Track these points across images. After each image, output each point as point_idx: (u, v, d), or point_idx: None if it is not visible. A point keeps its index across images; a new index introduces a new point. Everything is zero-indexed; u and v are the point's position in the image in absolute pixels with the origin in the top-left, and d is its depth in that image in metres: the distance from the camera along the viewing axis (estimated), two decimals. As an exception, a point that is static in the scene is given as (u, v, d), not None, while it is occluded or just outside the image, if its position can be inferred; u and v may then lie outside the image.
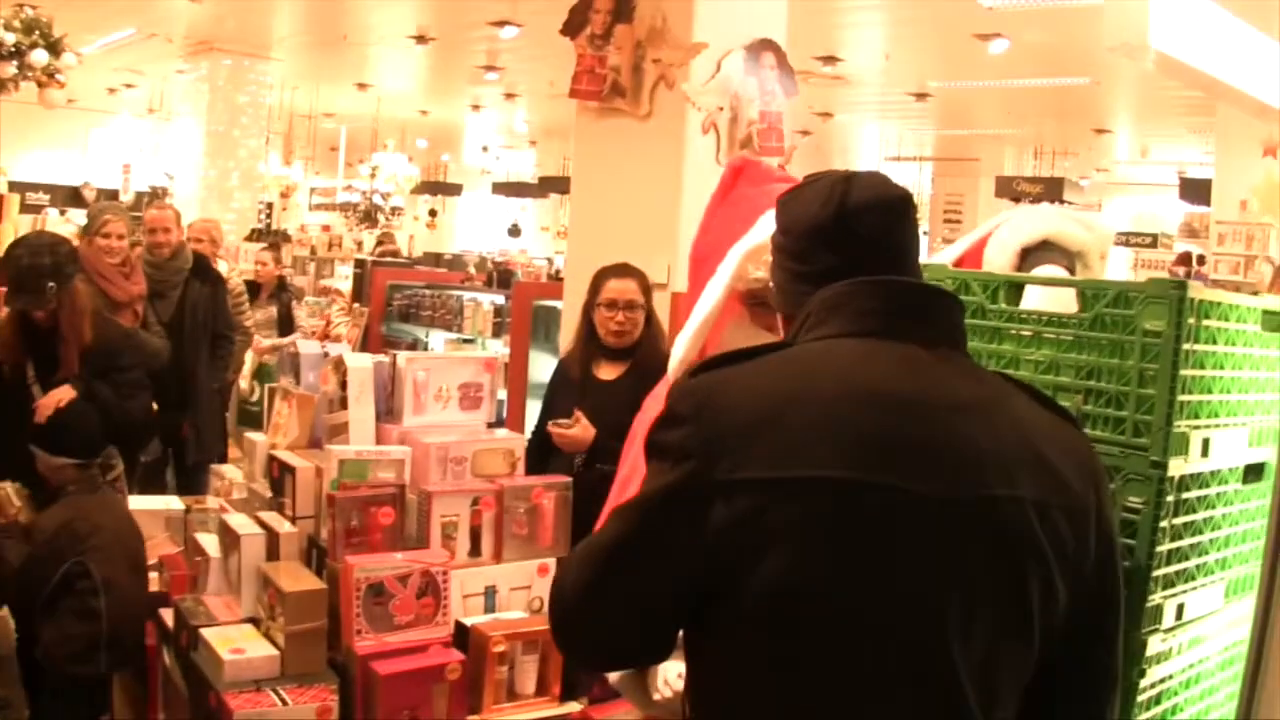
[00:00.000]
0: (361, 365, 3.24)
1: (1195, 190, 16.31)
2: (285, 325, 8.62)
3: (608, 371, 4.69)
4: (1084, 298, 1.97)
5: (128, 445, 4.79)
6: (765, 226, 2.23)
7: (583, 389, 4.65)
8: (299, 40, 14.91)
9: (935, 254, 2.55)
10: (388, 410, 3.30)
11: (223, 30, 14.35)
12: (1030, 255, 2.34)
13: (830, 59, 13.28)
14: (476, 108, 20.47)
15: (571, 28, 5.98)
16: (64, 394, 4.44)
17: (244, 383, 7.91)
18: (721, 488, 1.60)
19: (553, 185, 25.85)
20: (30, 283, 4.49)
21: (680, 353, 2.33)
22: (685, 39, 5.63)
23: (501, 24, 12.41)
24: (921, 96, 15.86)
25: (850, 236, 1.78)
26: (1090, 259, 2.37)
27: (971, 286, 2.11)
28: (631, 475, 2.46)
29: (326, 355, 3.47)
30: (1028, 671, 1.66)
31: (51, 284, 4.47)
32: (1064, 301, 2.06)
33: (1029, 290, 2.18)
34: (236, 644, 2.70)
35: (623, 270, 4.72)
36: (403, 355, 3.33)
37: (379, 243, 15.27)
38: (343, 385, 3.22)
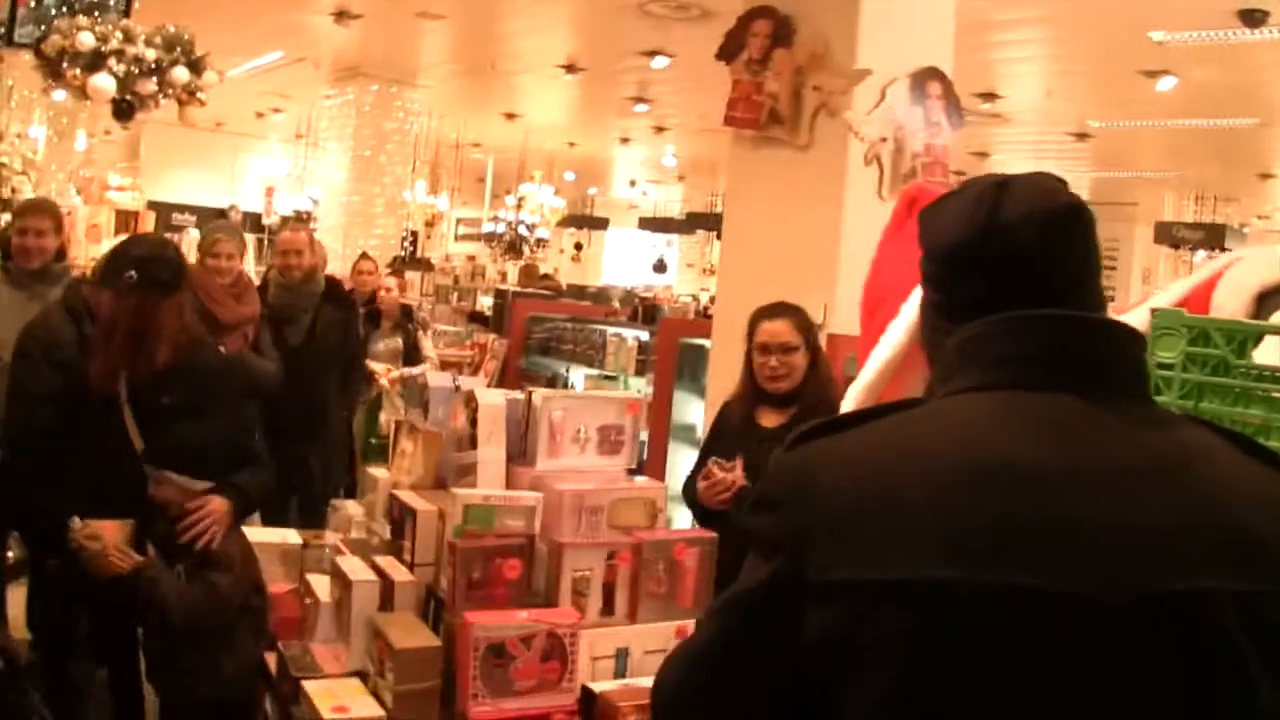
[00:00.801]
0: (493, 402, 3.02)
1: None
2: (410, 358, 8.38)
3: (770, 419, 4.39)
4: None
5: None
6: None
7: (743, 436, 4.36)
8: (447, 68, 14.94)
9: (1148, 299, 2.20)
10: (520, 452, 3.07)
11: (370, 56, 14.38)
12: (1268, 300, 1.99)
13: (989, 95, 12.86)
14: (625, 140, 20.41)
15: (727, 53, 5.74)
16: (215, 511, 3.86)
17: (381, 416, 7.73)
18: (814, 590, 1.32)
19: (700, 221, 25.78)
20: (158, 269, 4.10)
21: (853, 405, 2.03)
22: (848, 65, 5.37)
23: (653, 54, 12.25)
24: (1081, 136, 15.34)
25: (1002, 259, 1.45)
26: None
27: (1212, 337, 1.77)
28: None
29: (458, 389, 3.25)
30: None
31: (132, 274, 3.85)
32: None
33: (1268, 342, 1.84)
34: (340, 700, 2.50)
35: (776, 310, 4.41)
36: (539, 393, 3.10)
37: (529, 273, 15.18)
38: (473, 423, 3.00)
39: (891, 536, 1.30)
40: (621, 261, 31.58)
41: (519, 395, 3.14)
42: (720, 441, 4.45)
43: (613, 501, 2.97)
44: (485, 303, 14.56)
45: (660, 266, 27.99)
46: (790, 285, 5.23)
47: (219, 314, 5.58)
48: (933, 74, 5.60)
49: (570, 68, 13.85)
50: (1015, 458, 1.32)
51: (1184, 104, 12.44)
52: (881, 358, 1.99)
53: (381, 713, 2.46)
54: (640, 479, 3.27)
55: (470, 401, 3.04)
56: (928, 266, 1.56)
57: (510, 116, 18.35)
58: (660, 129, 18.41)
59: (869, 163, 5.45)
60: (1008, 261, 1.44)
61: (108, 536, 3.57)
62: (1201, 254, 17.14)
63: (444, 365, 9.61)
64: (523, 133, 19.50)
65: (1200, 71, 10.94)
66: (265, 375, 5.60)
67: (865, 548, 1.30)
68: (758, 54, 5.62)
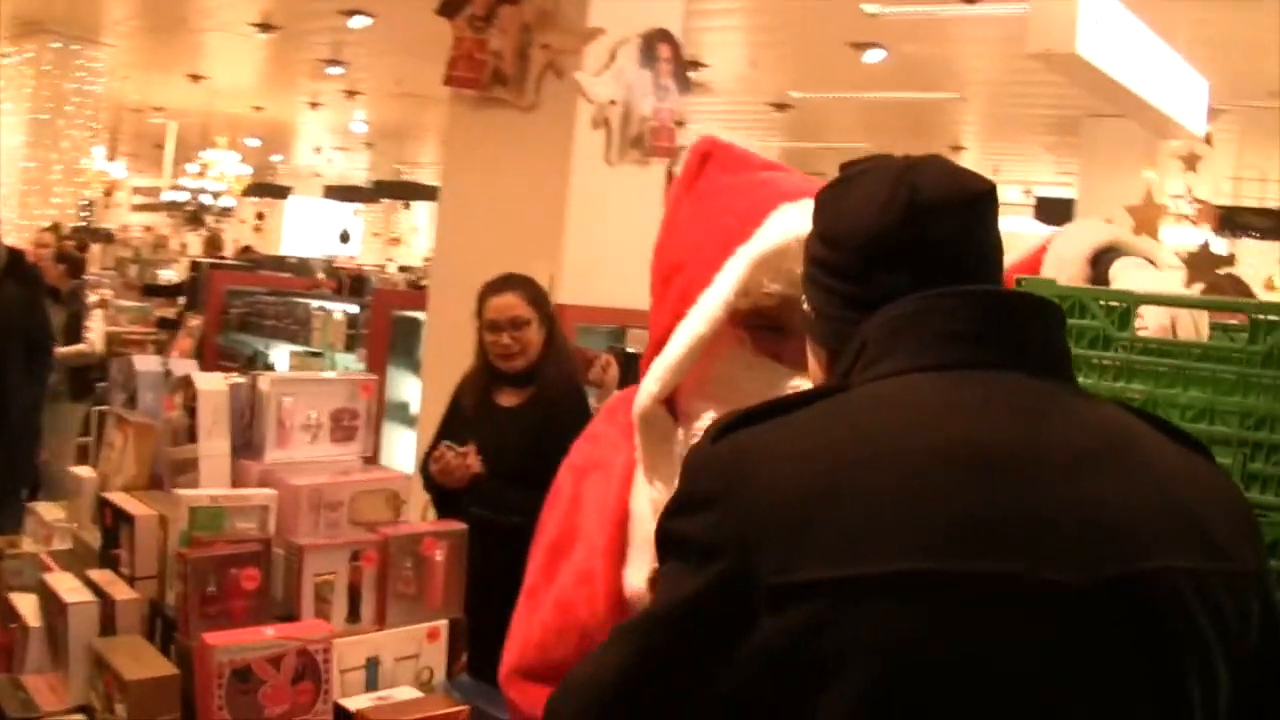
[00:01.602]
0: (215, 388, 2.68)
1: (1052, 210, 16.40)
2: (70, 335, 7.53)
3: (508, 398, 4.16)
4: (1254, 325, 1.51)
5: None
6: (779, 227, 1.76)
7: (480, 418, 4.12)
8: (133, 24, 14.18)
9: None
10: (245, 443, 2.74)
11: (52, 11, 13.58)
12: (1101, 261, 1.90)
13: (694, 64, 12.92)
14: (315, 105, 19.84)
15: (450, 7, 5.46)
16: None
17: None
18: (768, 594, 1.17)
19: (387, 190, 25.48)
20: None
21: (654, 386, 1.80)
22: (579, 23, 5.18)
23: (352, 13, 11.85)
24: (781, 107, 15.65)
25: (922, 248, 1.34)
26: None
27: (1089, 308, 1.64)
28: (562, 540, 1.95)
29: (169, 374, 2.89)
30: None
31: None
32: (1185, 327, 1.61)
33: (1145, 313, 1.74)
34: (67, 746, 2.13)
35: (504, 284, 4.17)
36: (265, 377, 2.78)
37: (213, 244, 14.49)
38: (191, 412, 2.66)
39: (859, 529, 1.17)
40: (304, 232, 30.85)
41: (241, 379, 2.82)
42: (456, 424, 4.20)
43: (353, 495, 2.69)
44: (166, 276, 13.88)
45: (345, 237, 27.56)
46: (514, 254, 5.03)
47: None
48: (663, 36, 5.47)
49: (264, 26, 13.33)
50: (978, 440, 1.22)
51: (887, 77, 12.78)
52: (694, 332, 1.76)
53: (115, 757, 2.13)
54: (378, 468, 3.01)
55: (186, 387, 2.69)
56: (833, 256, 1.40)
57: (195, 78, 17.65)
58: (352, 93, 18.06)
59: (597, 126, 5.28)
60: (931, 248, 1.34)
61: None
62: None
63: (125, 343, 8.99)
64: (208, 95, 18.74)
65: (910, 45, 11.25)
66: None
67: (830, 543, 1.17)
68: (482, 10, 5.36)
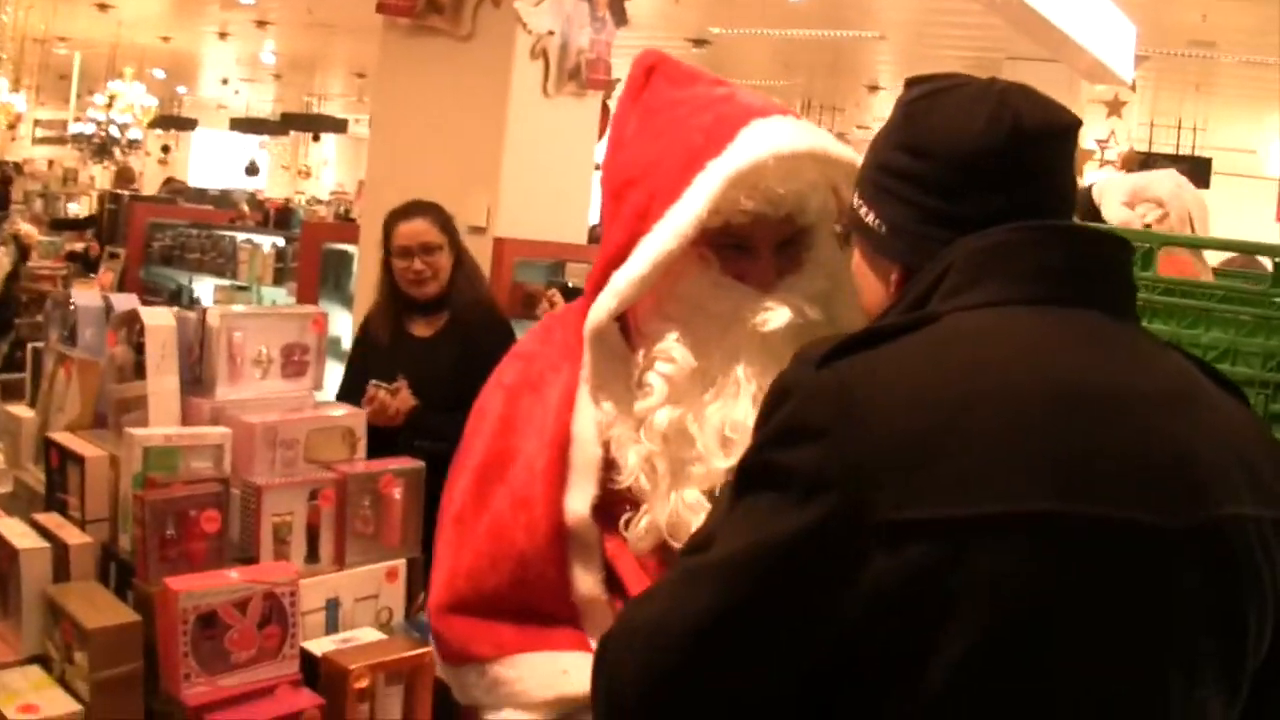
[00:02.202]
0: (162, 323, 2.57)
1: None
2: None
3: (423, 328, 4.10)
4: (1276, 268, 1.50)
5: None
6: (755, 143, 1.69)
7: (394, 351, 4.03)
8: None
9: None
10: (193, 380, 2.64)
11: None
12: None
13: (614, -3, 12.78)
14: (223, 35, 19.36)
15: (382, -67, 5.30)
16: None
17: None
18: (884, 532, 1.13)
19: (295, 122, 25.06)
20: None
21: (612, 301, 1.70)
22: (517, -51, 5.02)
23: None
24: (700, 43, 15.50)
25: (1020, 172, 1.32)
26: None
27: None
28: (494, 462, 1.85)
29: (110, 309, 2.78)
30: None
31: None
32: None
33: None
34: (25, 698, 2.04)
35: (412, 210, 4.13)
36: (214, 311, 2.69)
37: (124, 177, 14.05)
38: (138, 348, 2.56)
39: (978, 467, 1.15)
40: (210, 164, 30.29)
41: (190, 314, 2.72)
42: (371, 359, 4.11)
43: (309, 433, 2.62)
44: (74, 210, 13.55)
45: (253, 169, 27.15)
46: (449, 187, 4.95)
47: None
48: (600, -35, 5.35)
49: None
50: (1081, 379, 1.22)
51: (807, 14, 12.70)
52: (662, 248, 1.67)
53: (79, 707, 2.03)
54: (332, 404, 2.93)
55: (133, 322, 2.59)
56: (923, 168, 1.35)
57: (103, 7, 17.10)
58: (263, 23, 17.64)
59: (535, 57, 5.20)
60: (1028, 174, 1.32)
61: None
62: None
63: (36, 279, 8.75)
64: (115, 25, 18.22)
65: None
66: None
67: (949, 480, 1.15)
68: (417, -64, 5.21)
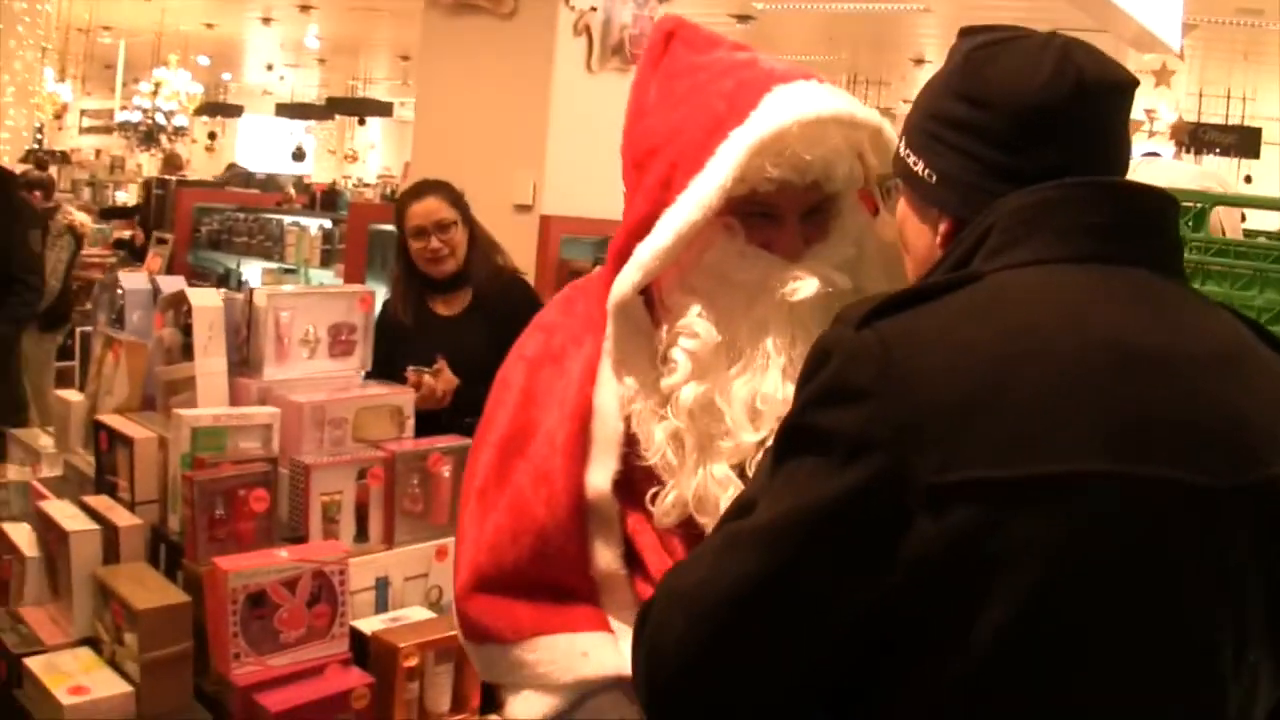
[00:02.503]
0: (209, 304, 2.59)
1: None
2: None
3: (447, 306, 4.05)
4: None
5: None
6: (779, 109, 1.64)
7: (420, 333, 3.98)
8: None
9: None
10: (240, 360, 2.65)
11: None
12: None
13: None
14: (267, 20, 19.41)
15: (423, -87, 5.27)
16: None
17: None
18: (928, 494, 1.10)
19: (340, 106, 25.13)
20: None
21: (637, 274, 1.65)
22: (558, -71, 4.99)
23: (307, -76, 11.55)
24: (744, 19, 15.39)
25: (1081, 127, 1.27)
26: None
27: None
28: (516, 436, 1.82)
29: (157, 292, 2.78)
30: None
31: None
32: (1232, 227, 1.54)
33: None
34: (76, 679, 2.06)
35: (423, 189, 4.09)
36: (261, 291, 2.69)
37: (171, 164, 14.10)
38: (185, 330, 2.57)
39: (1025, 427, 1.12)
40: (257, 150, 30.43)
41: (237, 295, 2.72)
42: (397, 344, 3.98)
43: (357, 412, 2.62)
44: (121, 198, 13.62)
45: (299, 154, 27.24)
46: (494, 165, 4.91)
47: None
48: (642, -58, 5.31)
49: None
50: (1128, 339, 1.18)
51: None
52: (687, 219, 1.63)
53: (129, 688, 2.04)
54: (380, 383, 2.91)
55: (180, 304, 2.60)
56: (982, 118, 1.30)
57: (147, -7, 17.21)
58: (306, 7, 17.65)
59: (578, 33, 5.14)
60: (1088, 131, 1.29)
61: None
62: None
63: (86, 266, 8.80)
64: (158, 13, 18.31)
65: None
66: None
67: (995, 441, 1.11)
68: (458, -85, 5.18)
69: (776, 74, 1.71)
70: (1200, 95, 16.98)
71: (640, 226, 1.69)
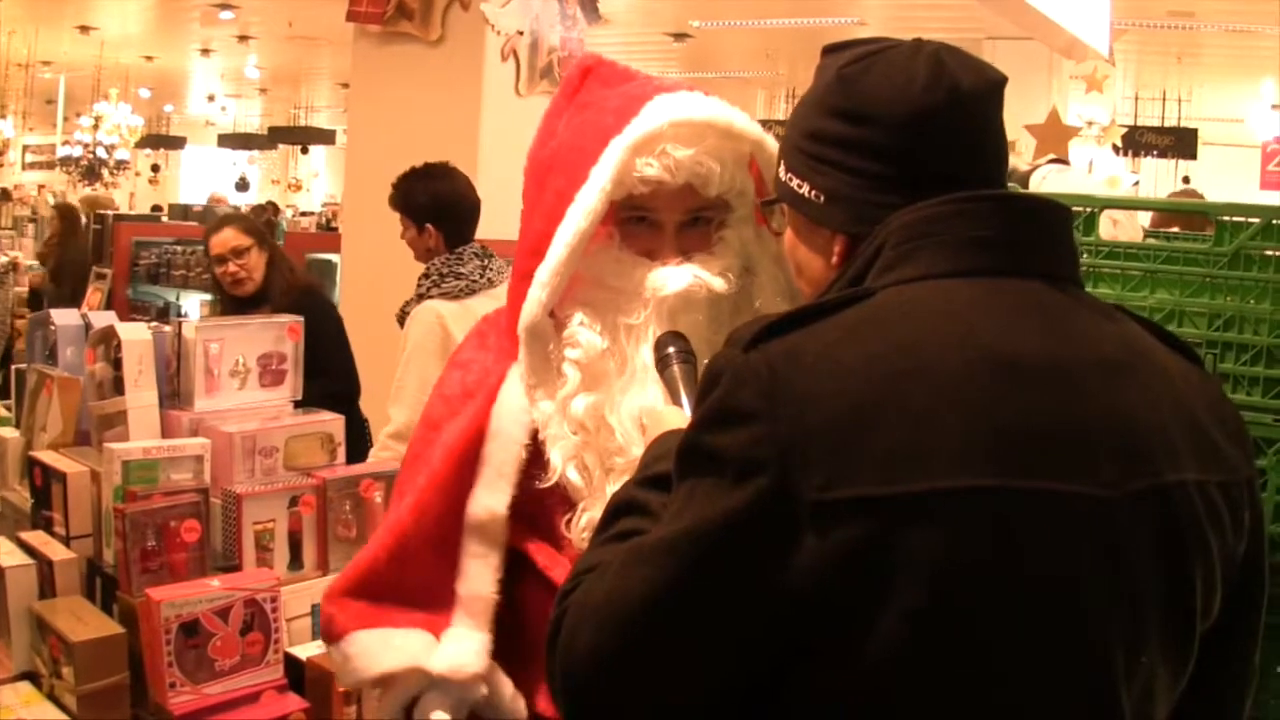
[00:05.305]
0: (139, 338, 2.61)
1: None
2: None
3: None
4: (1220, 229, 1.51)
5: None
6: (653, 113, 1.67)
7: None
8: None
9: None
10: (172, 393, 2.67)
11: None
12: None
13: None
14: (206, 52, 19.28)
15: (348, -59, 5.31)
16: None
17: None
18: (813, 512, 1.13)
19: (283, 135, 25.01)
20: None
21: (543, 294, 1.66)
22: (482, -48, 5.03)
23: (240, -45, 11.51)
24: (680, 37, 15.45)
25: (961, 133, 1.30)
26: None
27: None
28: (413, 466, 1.84)
29: (88, 327, 2.80)
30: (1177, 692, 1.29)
31: None
32: (1125, 230, 1.61)
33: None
34: (16, 713, 2.10)
35: (221, 223, 4.81)
36: (190, 324, 2.71)
37: (94, 205, 13.98)
38: (116, 364, 2.59)
39: (908, 444, 1.14)
40: (200, 181, 30.20)
41: (165, 328, 2.75)
42: None
43: (288, 440, 2.65)
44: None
45: (243, 184, 27.07)
46: (427, 190, 4.91)
47: None
48: (567, -35, 5.36)
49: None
50: (1016, 352, 1.20)
51: (787, 3, 12.66)
52: (575, 229, 1.62)
53: (66, 718, 2.06)
54: (311, 411, 2.93)
55: (109, 339, 2.62)
56: (863, 134, 1.32)
57: (85, 30, 17.03)
58: (244, 38, 17.54)
59: (505, 58, 5.19)
60: (968, 134, 1.32)
61: None
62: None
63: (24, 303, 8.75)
64: (97, 47, 18.17)
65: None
66: None
67: (878, 459, 1.13)
68: (383, -58, 5.22)
69: (663, 88, 1.75)
70: (1136, 99, 17.14)
71: (538, 246, 1.70)
